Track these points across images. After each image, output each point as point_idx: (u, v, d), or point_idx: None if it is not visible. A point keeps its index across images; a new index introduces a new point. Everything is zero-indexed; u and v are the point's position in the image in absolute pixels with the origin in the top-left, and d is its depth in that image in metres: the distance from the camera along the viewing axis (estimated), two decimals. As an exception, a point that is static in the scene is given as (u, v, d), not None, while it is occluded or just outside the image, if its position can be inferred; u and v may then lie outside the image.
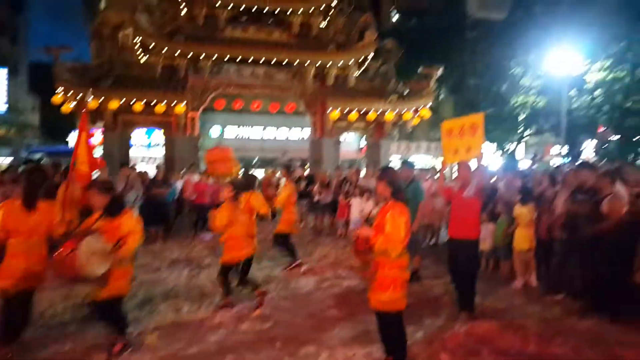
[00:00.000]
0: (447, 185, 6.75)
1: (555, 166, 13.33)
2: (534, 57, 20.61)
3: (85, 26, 25.80)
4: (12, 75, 34.02)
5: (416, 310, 5.11)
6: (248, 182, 6.16)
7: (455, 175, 8.62)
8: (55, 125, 34.16)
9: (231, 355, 4.21)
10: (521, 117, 23.22)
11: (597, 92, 19.64)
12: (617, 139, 20.68)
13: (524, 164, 18.94)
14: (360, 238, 3.75)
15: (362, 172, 12.32)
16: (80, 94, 14.03)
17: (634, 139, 20.04)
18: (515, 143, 25.42)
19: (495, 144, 25.13)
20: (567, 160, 19.01)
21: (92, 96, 13.93)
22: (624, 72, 19.06)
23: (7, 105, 32.59)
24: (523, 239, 6.42)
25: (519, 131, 24.28)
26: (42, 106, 37.42)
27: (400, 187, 3.90)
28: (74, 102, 14.35)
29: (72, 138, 28.39)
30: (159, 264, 8.06)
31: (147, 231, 10.69)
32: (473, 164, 5.52)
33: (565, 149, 20.67)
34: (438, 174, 10.49)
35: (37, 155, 22.29)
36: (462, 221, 5.27)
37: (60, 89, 14.00)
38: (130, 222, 4.17)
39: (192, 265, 7.78)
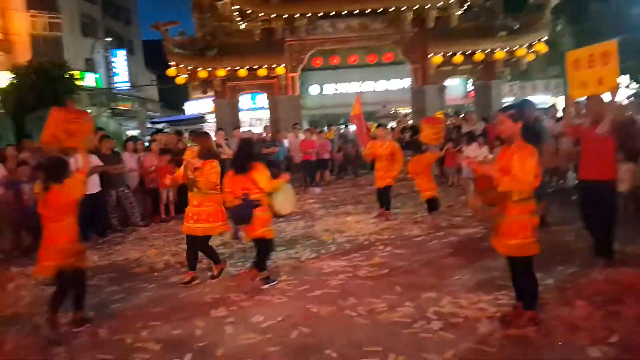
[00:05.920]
0: (575, 123, 6.09)
1: None
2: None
3: (187, -1, 27.16)
4: (129, 55, 37.21)
5: (545, 257, 4.76)
6: None
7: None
8: (172, 96, 37.05)
9: (353, 298, 4.31)
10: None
11: None
12: None
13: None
14: (481, 176, 3.48)
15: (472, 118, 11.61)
16: (191, 66, 14.93)
17: None
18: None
19: (627, 75, 22.08)
20: None
21: (200, 67, 14.76)
22: None
23: (128, 83, 35.95)
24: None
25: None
26: (158, 80, 40.69)
27: (529, 127, 3.58)
28: (186, 74, 15.33)
29: (187, 107, 30.71)
30: (276, 216, 8.55)
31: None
32: (605, 98, 4.89)
33: None
34: (561, 113, 9.57)
35: (160, 125, 24.50)
36: (596, 161, 4.72)
37: (172, 63, 14.98)
38: None
39: (306, 217, 8.16)
